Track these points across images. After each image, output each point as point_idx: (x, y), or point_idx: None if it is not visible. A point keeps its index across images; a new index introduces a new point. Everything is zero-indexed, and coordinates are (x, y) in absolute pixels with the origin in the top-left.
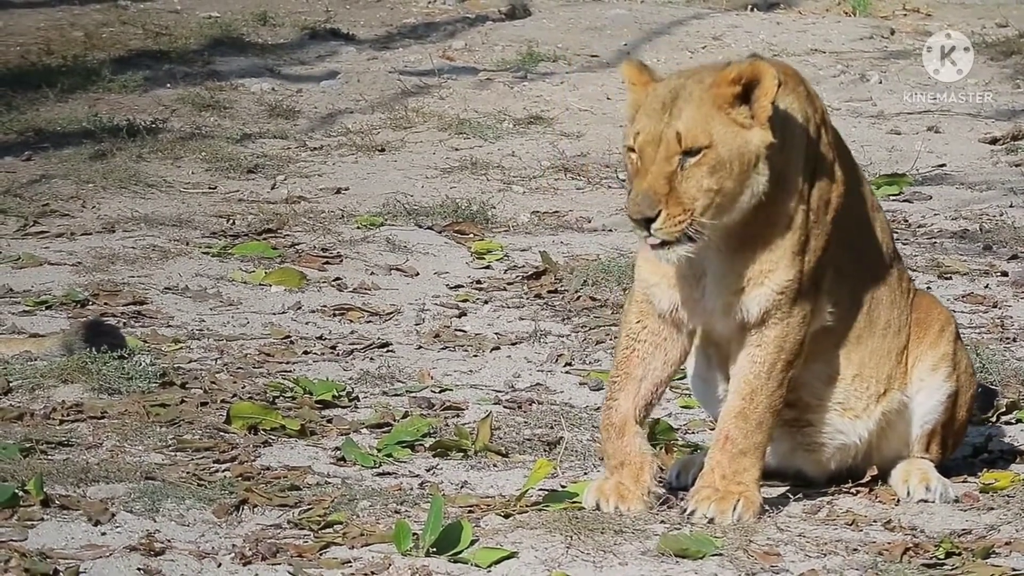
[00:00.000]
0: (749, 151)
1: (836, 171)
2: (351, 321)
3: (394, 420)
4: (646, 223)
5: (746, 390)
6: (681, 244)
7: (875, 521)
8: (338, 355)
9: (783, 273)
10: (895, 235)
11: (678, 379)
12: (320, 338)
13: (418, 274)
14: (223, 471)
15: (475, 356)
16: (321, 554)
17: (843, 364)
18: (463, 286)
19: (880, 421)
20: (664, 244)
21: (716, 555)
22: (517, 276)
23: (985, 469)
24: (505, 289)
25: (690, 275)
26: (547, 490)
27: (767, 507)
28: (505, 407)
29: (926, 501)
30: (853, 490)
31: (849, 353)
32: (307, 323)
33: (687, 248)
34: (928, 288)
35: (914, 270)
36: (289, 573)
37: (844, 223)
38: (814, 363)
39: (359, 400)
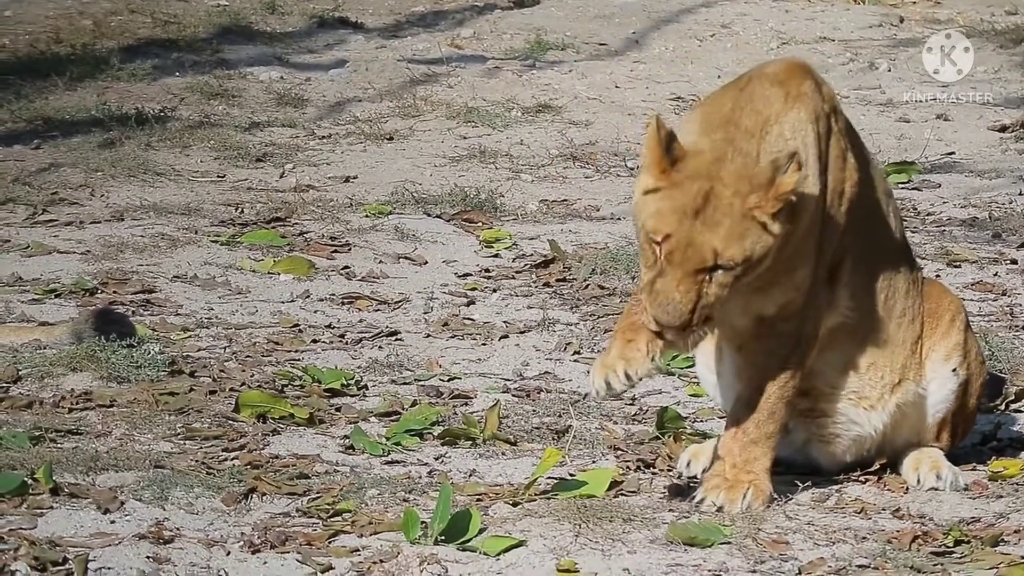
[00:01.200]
0: (773, 245)
1: (849, 160)
2: (360, 310)
3: (403, 408)
4: (668, 327)
5: (758, 380)
6: (703, 333)
7: (884, 509)
8: (347, 343)
9: (801, 270)
10: (904, 223)
11: (687, 367)
12: (329, 326)
13: (427, 263)
14: (232, 459)
15: (484, 345)
16: (330, 542)
17: (858, 353)
18: (471, 275)
19: (895, 413)
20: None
21: (725, 543)
22: (526, 265)
23: (994, 457)
24: (514, 278)
25: None
26: (556, 478)
27: (776, 496)
28: (513, 395)
29: (937, 489)
30: (862, 478)
31: (864, 342)
32: (316, 311)
33: (708, 329)
34: (937, 276)
35: (923, 258)
36: (298, 561)
37: (859, 212)
38: (829, 352)
39: (368, 388)
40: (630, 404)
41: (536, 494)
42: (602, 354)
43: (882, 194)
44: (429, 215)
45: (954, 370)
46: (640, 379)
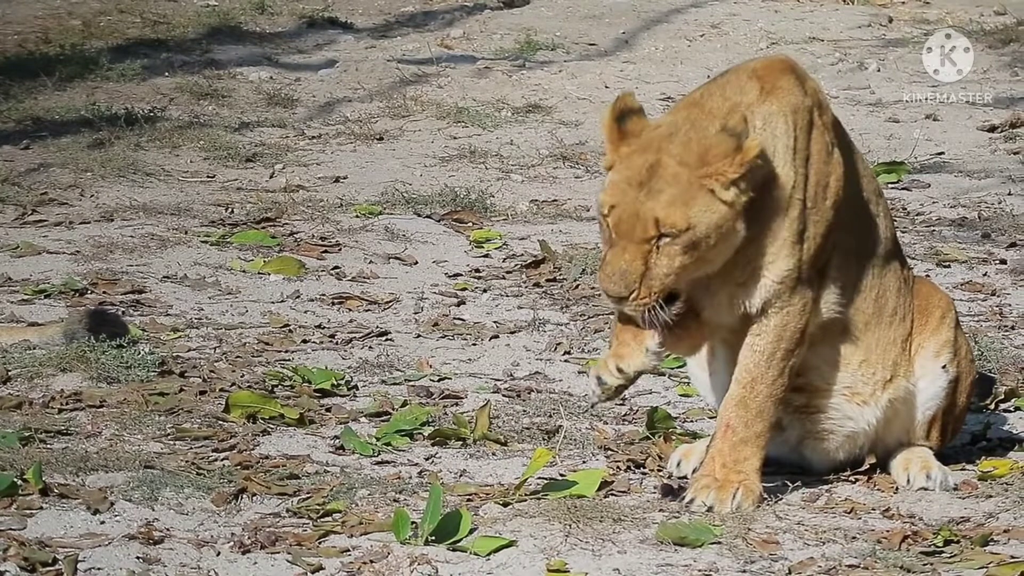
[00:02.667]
0: (726, 220)
1: (834, 155)
2: (350, 310)
3: (393, 409)
4: (619, 299)
5: (747, 379)
6: (660, 311)
7: (874, 509)
8: (337, 344)
9: (783, 263)
10: (894, 223)
11: (678, 367)
12: (319, 327)
13: (417, 263)
14: (222, 460)
15: (474, 345)
16: (320, 543)
17: (851, 349)
18: (462, 275)
19: (887, 409)
20: (648, 313)
21: (715, 543)
22: (516, 265)
23: (983, 457)
24: (504, 278)
25: None
26: (546, 479)
27: (766, 496)
28: (504, 396)
29: (926, 489)
30: (852, 478)
31: (857, 338)
32: (306, 312)
33: (666, 312)
34: (927, 276)
35: (913, 258)
36: (288, 561)
37: (848, 207)
38: (822, 346)
39: (358, 389)
40: (620, 404)
41: (526, 494)
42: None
43: (871, 192)
44: (419, 215)
45: (944, 367)
46: (634, 372)
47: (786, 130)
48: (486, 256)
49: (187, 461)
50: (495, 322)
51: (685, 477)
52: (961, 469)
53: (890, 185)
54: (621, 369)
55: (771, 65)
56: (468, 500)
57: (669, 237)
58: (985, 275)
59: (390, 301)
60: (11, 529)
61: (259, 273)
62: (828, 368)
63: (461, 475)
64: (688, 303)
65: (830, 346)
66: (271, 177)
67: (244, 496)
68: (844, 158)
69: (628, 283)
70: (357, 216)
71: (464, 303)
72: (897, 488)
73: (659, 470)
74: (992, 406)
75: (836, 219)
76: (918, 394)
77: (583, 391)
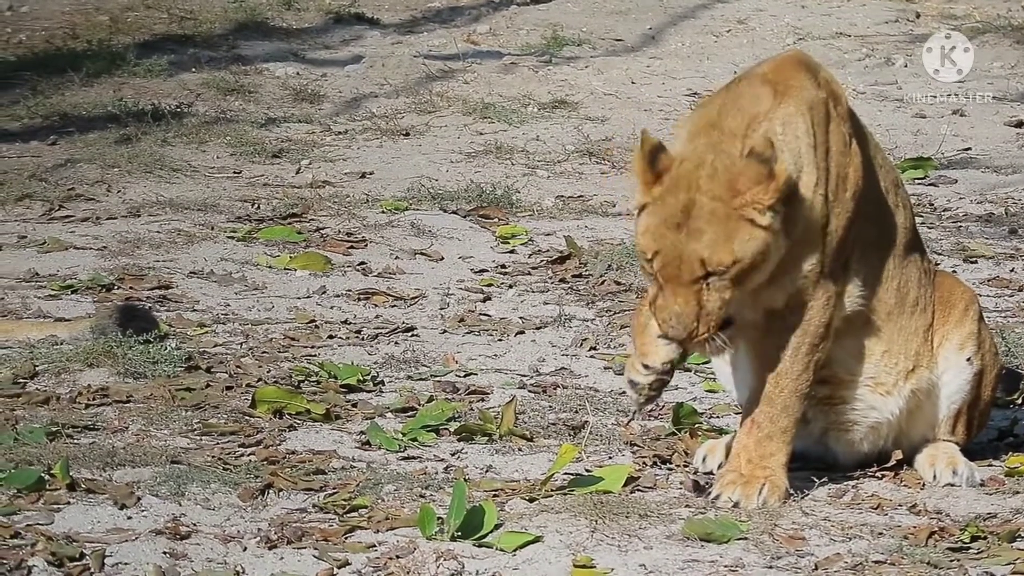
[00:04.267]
0: (767, 241)
1: (852, 146)
2: (376, 305)
3: (419, 404)
4: (680, 341)
5: (773, 374)
6: (716, 340)
7: (900, 505)
8: (363, 339)
9: (806, 258)
10: (919, 218)
11: (703, 363)
12: (345, 322)
13: (443, 258)
14: (248, 455)
15: (500, 340)
16: (346, 538)
17: (873, 339)
18: (487, 270)
19: (910, 399)
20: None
21: (741, 539)
22: (542, 260)
23: (1010, 453)
24: (530, 274)
25: None
26: (572, 474)
27: (792, 491)
28: (530, 391)
29: (953, 485)
30: (878, 474)
31: (879, 329)
32: (332, 307)
33: (727, 334)
34: (953, 272)
35: (939, 254)
36: (314, 557)
37: (867, 198)
38: (845, 338)
39: (384, 384)
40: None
41: (552, 490)
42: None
43: (890, 183)
44: (445, 211)
45: (968, 359)
46: (664, 365)
47: (806, 128)
48: (512, 252)
49: (213, 456)
50: (521, 318)
51: (711, 473)
52: (988, 465)
53: (917, 181)
54: (647, 365)
55: (780, 65)
56: (494, 496)
57: (717, 275)
58: (1012, 271)
59: (416, 297)
60: (38, 524)
61: (285, 269)
62: (851, 359)
63: (487, 471)
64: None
65: (853, 337)
66: (297, 173)
67: (270, 491)
68: (862, 149)
69: (686, 325)
70: (383, 212)
71: (490, 299)
72: (923, 484)
73: (685, 466)
74: (1019, 401)
75: (857, 211)
76: (942, 387)
77: (609, 387)
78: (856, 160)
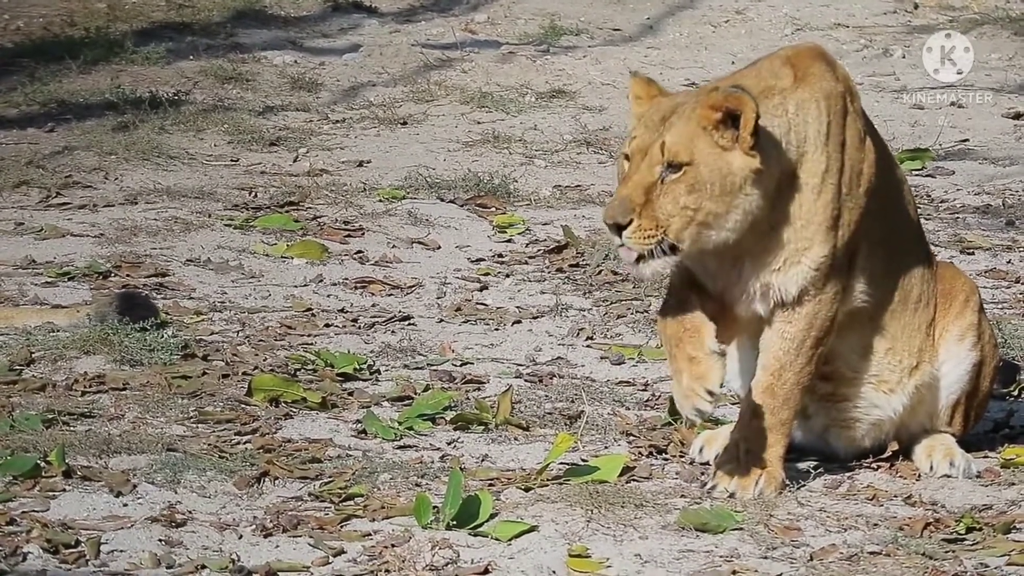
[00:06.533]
0: (731, 174)
1: (867, 141)
2: (373, 294)
3: (415, 393)
4: (618, 229)
5: (775, 366)
6: (655, 259)
7: (896, 496)
8: (359, 328)
9: (818, 248)
10: (918, 209)
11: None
12: (342, 311)
13: (440, 247)
14: (244, 443)
15: (496, 330)
16: (342, 526)
17: (877, 338)
18: (485, 260)
19: (914, 396)
20: (640, 259)
21: (736, 529)
22: (539, 250)
23: (1006, 444)
24: (527, 263)
25: (728, 258)
26: (568, 464)
27: (788, 482)
28: (526, 381)
29: (949, 477)
30: (874, 465)
31: (883, 326)
32: (329, 296)
33: (661, 263)
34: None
35: (936, 245)
36: (310, 545)
37: (877, 194)
38: (849, 335)
39: (380, 373)
40: (643, 390)
41: (548, 479)
42: (674, 384)
43: (897, 180)
44: (442, 200)
45: (968, 350)
46: (721, 385)
47: (818, 115)
48: (509, 241)
49: (209, 444)
50: (518, 307)
51: (707, 463)
52: (984, 457)
53: (914, 172)
54: (711, 392)
55: (803, 52)
56: (490, 485)
57: (674, 171)
58: (1009, 263)
59: (413, 286)
60: (34, 511)
61: (282, 257)
62: (855, 356)
63: (483, 460)
64: (720, 298)
65: (857, 334)
66: (295, 161)
67: (266, 479)
68: (876, 145)
69: (627, 210)
70: (380, 200)
71: (487, 288)
72: (919, 475)
73: (681, 456)
74: (1015, 393)
75: (868, 206)
76: (942, 378)
77: (606, 377)
78: (871, 156)
